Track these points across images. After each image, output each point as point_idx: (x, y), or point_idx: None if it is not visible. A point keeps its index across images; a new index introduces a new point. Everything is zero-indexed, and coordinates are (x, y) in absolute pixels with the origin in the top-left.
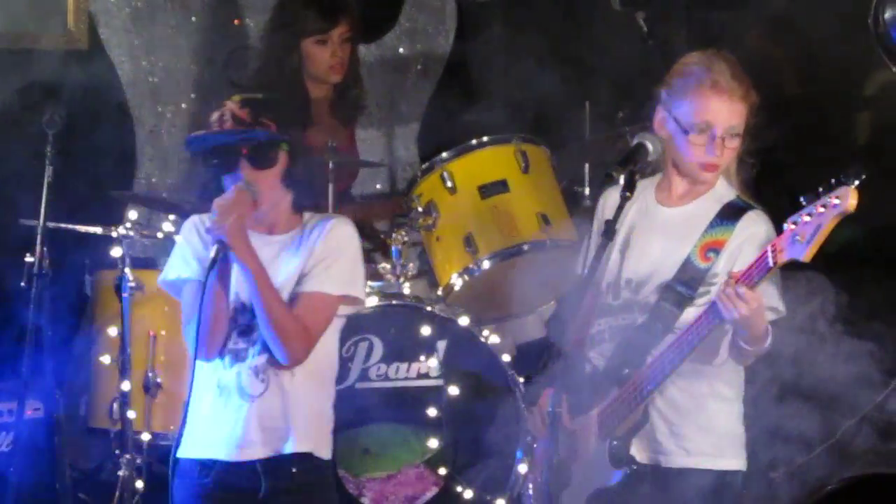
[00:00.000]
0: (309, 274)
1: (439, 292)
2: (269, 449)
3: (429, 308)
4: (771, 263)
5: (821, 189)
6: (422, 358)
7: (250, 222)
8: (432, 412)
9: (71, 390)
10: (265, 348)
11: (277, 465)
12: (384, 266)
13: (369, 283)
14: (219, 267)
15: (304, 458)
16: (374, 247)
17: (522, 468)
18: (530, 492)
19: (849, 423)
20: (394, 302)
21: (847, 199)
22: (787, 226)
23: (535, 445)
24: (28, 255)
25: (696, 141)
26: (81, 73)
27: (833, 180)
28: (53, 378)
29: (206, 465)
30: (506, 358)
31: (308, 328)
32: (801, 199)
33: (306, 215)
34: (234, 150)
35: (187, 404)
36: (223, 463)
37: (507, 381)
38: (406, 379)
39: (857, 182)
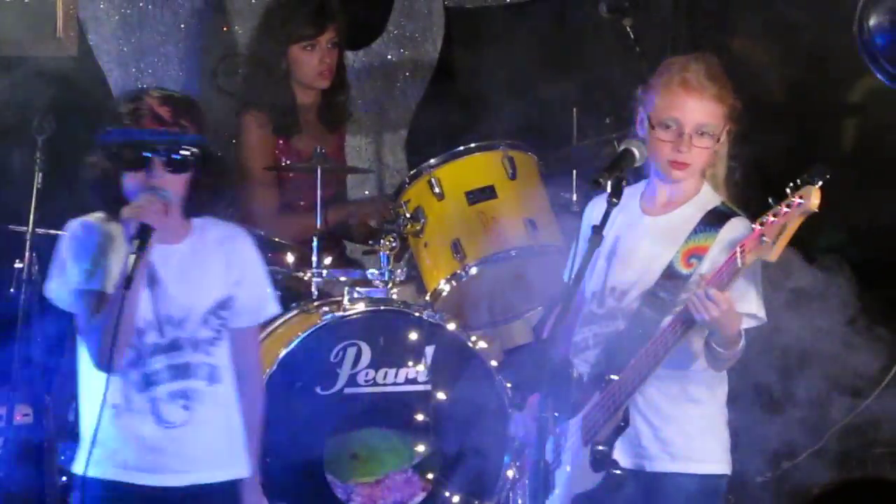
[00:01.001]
0: (245, 304)
1: (427, 298)
2: (189, 478)
3: (417, 314)
4: (739, 264)
5: (787, 190)
6: (410, 363)
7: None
8: (420, 417)
9: (60, 396)
10: (189, 371)
11: (200, 493)
12: (372, 272)
13: (357, 288)
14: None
15: (228, 486)
16: (364, 251)
17: (510, 473)
18: (518, 499)
19: (834, 428)
20: (382, 308)
21: (810, 198)
22: (755, 226)
23: (525, 451)
24: (17, 261)
25: (663, 137)
26: (71, 80)
27: (798, 180)
28: (42, 384)
29: (115, 488)
30: (493, 363)
31: (259, 359)
32: (770, 200)
33: (197, 220)
34: (150, 148)
35: (99, 417)
36: (135, 486)
37: (495, 386)
38: (394, 384)
39: (820, 182)
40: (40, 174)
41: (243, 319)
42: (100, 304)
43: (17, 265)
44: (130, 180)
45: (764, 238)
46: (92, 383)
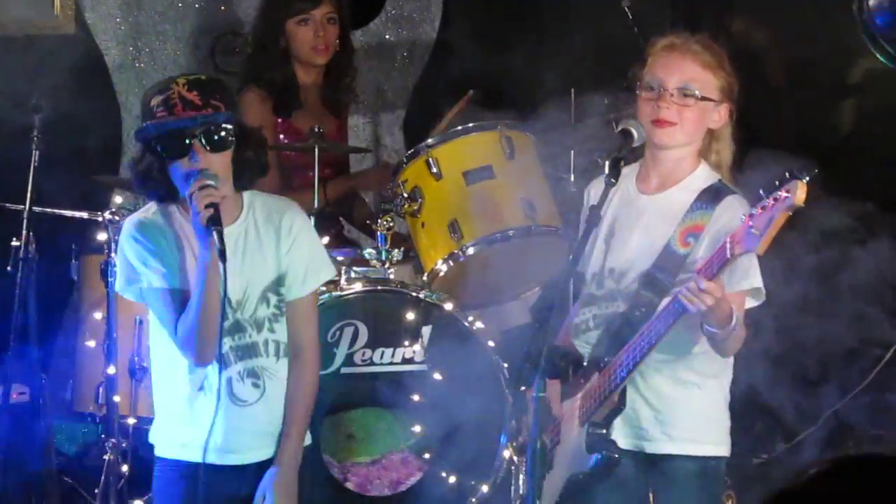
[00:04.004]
0: (294, 276)
1: (424, 278)
2: (263, 453)
3: (414, 294)
4: (729, 255)
5: (777, 182)
6: (406, 343)
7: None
8: (417, 397)
9: (56, 375)
10: (255, 350)
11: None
12: (369, 251)
13: (354, 268)
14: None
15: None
16: (360, 231)
17: (506, 453)
18: (521, 477)
19: (831, 410)
20: (379, 287)
21: (796, 193)
22: (744, 218)
23: (522, 431)
24: (14, 239)
25: (647, 97)
26: (68, 59)
27: (786, 174)
28: (39, 362)
29: (191, 468)
30: (490, 344)
31: (315, 332)
32: (761, 190)
33: (246, 195)
34: (188, 134)
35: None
36: (211, 466)
37: (492, 366)
38: (391, 364)
39: (807, 177)
40: (37, 152)
41: (293, 291)
42: (184, 301)
43: (14, 243)
44: (176, 169)
45: (752, 230)
46: (169, 369)
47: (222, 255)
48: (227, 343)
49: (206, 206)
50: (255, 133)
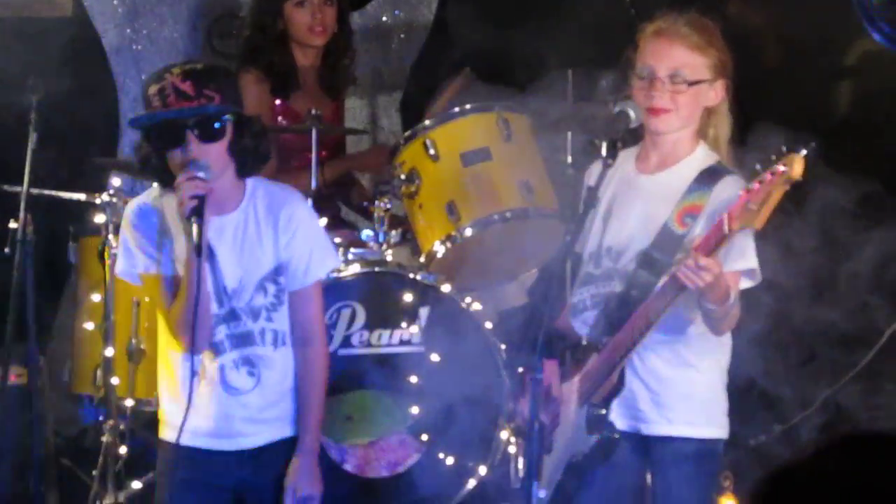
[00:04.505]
0: (296, 267)
1: (422, 259)
2: (257, 439)
3: (411, 275)
4: (726, 230)
5: (773, 157)
6: (404, 325)
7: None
8: (414, 379)
9: (54, 356)
10: (251, 339)
11: (269, 452)
12: (367, 233)
13: (352, 250)
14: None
15: (292, 441)
16: (357, 214)
17: (504, 435)
18: (519, 458)
19: (829, 391)
20: (376, 269)
21: (793, 166)
22: (741, 193)
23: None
24: (11, 221)
25: (639, 85)
26: (65, 40)
27: (784, 148)
28: (37, 344)
29: (191, 453)
30: (488, 325)
31: (321, 319)
32: (757, 165)
33: (249, 183)
34: (181, 124)
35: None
36: (208, 452)
37: (489, 348)
38: (388, 346)
39: (804, 151)
40: (35, 134)
41: (295, 281)
42: (175, 287)
43: (12, 225)
44: (172, 158)
45: (749, 205)
46: (168, 353)
47: (198, 249)
48: (223, 331)
49: (191, 198)
50: (255, 121)
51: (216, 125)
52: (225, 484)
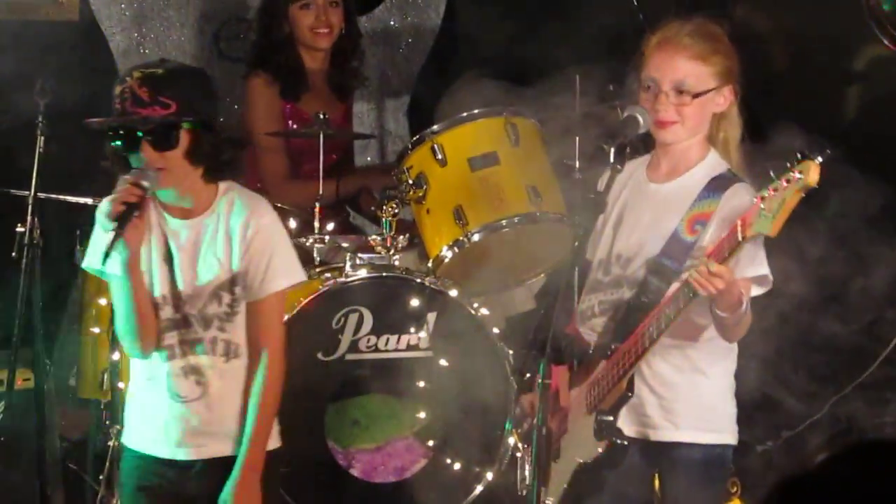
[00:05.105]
0: (252, 277)
1: (429, 264)
2: (206, 451)
3: (419, 280)
4: (740, 238)
5: (788, 164)
6: (411, 330)
7: (168, 206)
8: (421, 384)
9: (61, 361)
10: (201, 347)
11: (220, 466)
12: (374, 238)
13: (359, 255)
14: (129, 258)
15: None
16: (366, 218)
17: (511, 440)
18: (526, 464)
19: (837, 396)
20: (384, 274)
21: (809, 173)
22: (755, 200)
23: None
24: (19, 225)
25: (646, 98)
26: (73, 44)
27: (798, 154)
28: (44, 349)
29: (146, 460)
30: (495, 330)
31: (281, 332)
32: (771, 172)
33: (221, 188)
34: (135, 130)
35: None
36: (161, 461)
37: (497, 353)
38: (396, 351)
39: (820, 158)
40: (42, 138)
41: (250, 293)
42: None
43: (19, 229)
44: (133, 160)
45: (764, 211)
46: (133, 359)
47: (105, 255)
48: (175, 336)
49: (122, 203)
50: (219, 128)
51: (167, 134)
52: (168, 493)
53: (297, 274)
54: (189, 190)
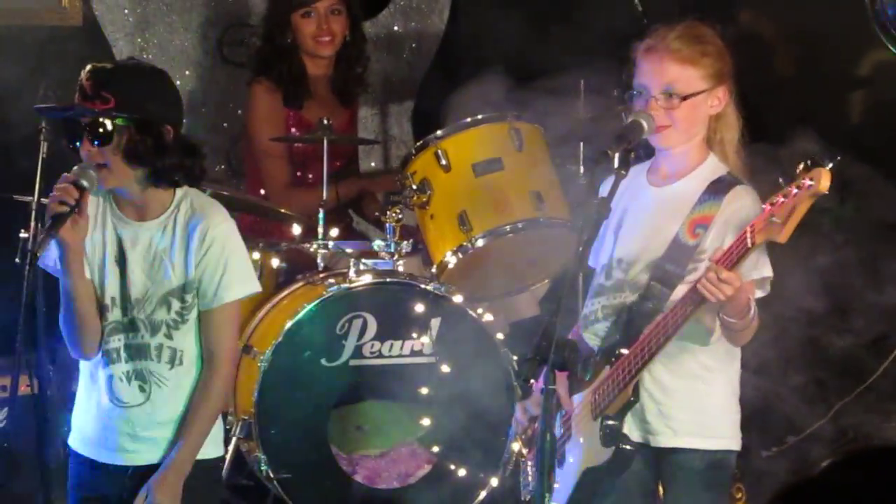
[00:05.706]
0: (206, 286)
1: (433, 270)
2: (141, 458)
3: (423, 286)
4: (749, 244)
5: (797, 170)
6: (415, 335)
7: (123, 208)
8: (425, 390)
9: (64, 366)
10: (146, 353)
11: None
12: (378, 243)
13: (363, 260)
14: (68, 257)
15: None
16: (370, 224)
17: (515, 446)
18: (529, 470)
19: (841, 403)
20: (388, 279)
21: (820, 180)
22: (765, 206)
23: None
24: (22, 231)
25: (637, 104)
26: (76, 50)
27: (809, 161)
28: (46, 354)
29: (84, 462)
30: (499, 336)
31: (233, 343)
32: (780, 179)
33: (178, 194)
34: (76, 121)
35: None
36: (97, 463)
37: (501, 359)
38: (399, 356)
39: (831, 164)
40: (45, 144)
41: (203, 302)
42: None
43: (23, 235)
44: (82, 151)
45: (774, 218)
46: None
47: (32, 258)
48: (121, 340)
49: (60, 203)
50: (162, 132)
51: (101, 129)
52: (105, 497)
53: (252, 284)
54: (141, 192)
